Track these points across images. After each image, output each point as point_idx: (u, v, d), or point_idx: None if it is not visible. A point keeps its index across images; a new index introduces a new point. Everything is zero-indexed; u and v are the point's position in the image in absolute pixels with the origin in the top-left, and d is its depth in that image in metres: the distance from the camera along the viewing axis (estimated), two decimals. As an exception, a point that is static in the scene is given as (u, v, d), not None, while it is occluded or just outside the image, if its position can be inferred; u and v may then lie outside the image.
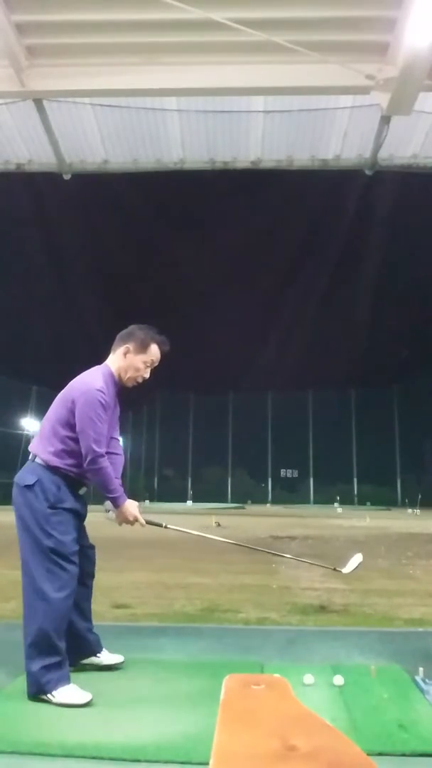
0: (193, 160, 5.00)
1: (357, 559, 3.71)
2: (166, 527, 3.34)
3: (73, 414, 2.93)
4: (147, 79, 3.68)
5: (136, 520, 3.07)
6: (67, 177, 5.08)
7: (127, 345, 3.14)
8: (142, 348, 3.13)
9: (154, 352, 3.17)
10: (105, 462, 2.93)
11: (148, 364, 3.17)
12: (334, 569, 3.80)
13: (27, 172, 5.12)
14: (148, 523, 3.17)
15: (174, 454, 43.70)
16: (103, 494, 3.03)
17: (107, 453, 3.00)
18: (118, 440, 3.32)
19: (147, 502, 34.39)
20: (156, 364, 3.20)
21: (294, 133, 4.73)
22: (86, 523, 3.16)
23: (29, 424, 36.95)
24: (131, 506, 3.06)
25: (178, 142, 4.84)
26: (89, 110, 4.55)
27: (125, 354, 3.13)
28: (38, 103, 4.33)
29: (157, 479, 43.38)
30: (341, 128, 4.67)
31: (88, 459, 2.89)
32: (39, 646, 2.78)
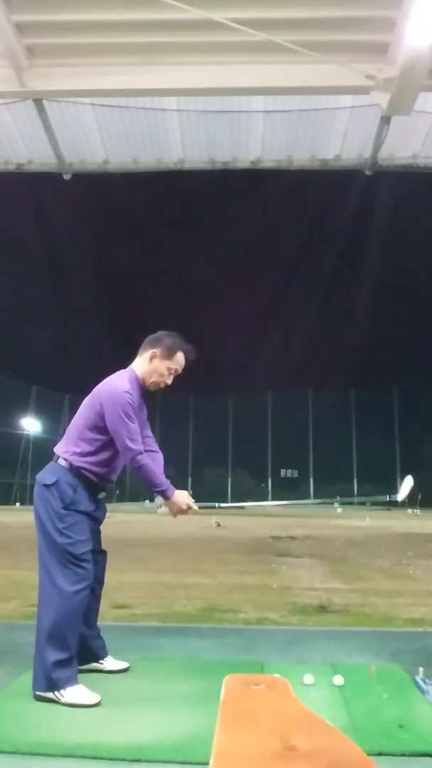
0: (193, 160, 5.00)
1: (408, 482, 3.57)
2: (218, 507, 3.41)
3: (101, 417, 2.98)
4: (147, 79, 3.68)
5: (189, 507, 3.10)
6: (67, 177, 5.08)
7: (154, 350, 3.17)
8: (169, 354, 3.17)
9: (180, 360, 3.20)
10: (144, 458, 2.98)
11: (172, 371, 3.20)
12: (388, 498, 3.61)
13: (27, 172, 5.11)
14: (201, 507, 3.20)
15: (174, 454, 43.43)
16: (150, 490, 3.07)
17: (146, 451, 3.04)
18: (153, 438, 3.35)
19: (147, 501, 34.39)
20: (180, 372, 3.24)
21: (294, 133, 4.73)
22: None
23: (29, 424, 36.94)
24: (181, 495, 3.09)
25: (178, 142, 4.84)
26: (89, 110, 4.55)
27: (151, 359, 3.17)
28: (38, 103, 4.33)
29: (157, 479, 43.30)
30: (341, 128, 4.66)
31: (128, 458, 2.95)
32: (53, 638, 2.80)
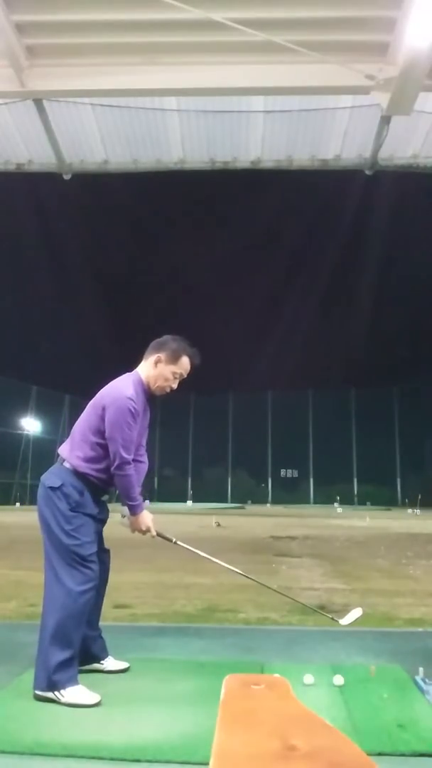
0: (193, 160, 4.99)
1: (356, 612, 3.70)
2: (175, 543, 3.35)
3: (104, 420, 2.99)
4: (147, 79, 3.67)
5: (148, 530, 3.13)
6: (67, 177, 5.07)
7: (159, 354, 3.17)
8: (174, 359, 3.16)
9: (185, 364, 3.20)
10: (131, 469, 3.00)
11: (177, 376, 3.20)
12: (332, 618, 3.78)
13: (27, 172, 5.11)
14: (159, 535, 3.21)
15: (174, 454, 43.65)
16: (122, 500, 3.08)
17: (133, 460, 3.05)
18: (144, 447, 3.34)
19: (147, 502, 34.48)
20: (185, 376, 3.23)
21: (294, 133, 4.72)
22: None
23: (29, 424, 36.94)
24: (146, 517, 3.12)
25: (178, 142, 4.83)
26: (89, 110, 4.55)
27: (156, 363, 3.16)
28: (38, 103, 4.33)
29: (157, 479, 43.29)
30: (341, 128, 4.66)
31: (116, 464, 2.96)
32: (58, 637, 2.81)
